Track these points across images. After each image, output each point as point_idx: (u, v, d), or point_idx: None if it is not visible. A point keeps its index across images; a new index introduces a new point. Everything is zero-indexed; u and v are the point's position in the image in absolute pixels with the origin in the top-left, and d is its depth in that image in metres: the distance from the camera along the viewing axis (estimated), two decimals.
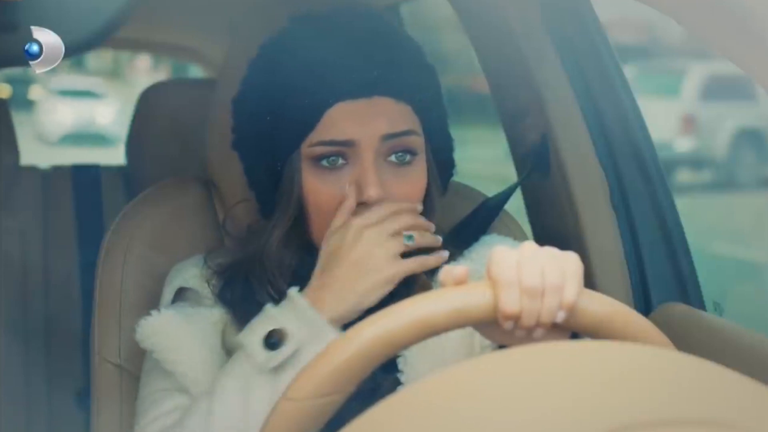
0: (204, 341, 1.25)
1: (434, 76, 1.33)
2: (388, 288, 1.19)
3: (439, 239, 1.24)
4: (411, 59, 1.29)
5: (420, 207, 1.26)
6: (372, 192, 1.21)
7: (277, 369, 1.16)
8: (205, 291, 1.31)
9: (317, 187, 1.24)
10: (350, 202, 1.22)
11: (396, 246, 1.20)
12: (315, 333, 1.16)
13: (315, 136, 1.23)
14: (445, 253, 1.23)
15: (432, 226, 1.25)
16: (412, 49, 1.31)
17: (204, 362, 1.24)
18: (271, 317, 1.18)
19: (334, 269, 1.20)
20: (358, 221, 1.20)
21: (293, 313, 1.18)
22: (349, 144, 1.22)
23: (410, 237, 1.21)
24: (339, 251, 1.20)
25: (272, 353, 1.15)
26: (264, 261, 1.28)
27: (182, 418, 1.18)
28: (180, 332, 1.25)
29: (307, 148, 1.24)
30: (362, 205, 1.22)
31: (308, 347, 1.15)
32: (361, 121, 1.22)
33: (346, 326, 1.18)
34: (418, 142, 1.26)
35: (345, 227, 1.21)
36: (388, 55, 1.26)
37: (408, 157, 1.25)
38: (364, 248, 1.19)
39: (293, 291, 1.19)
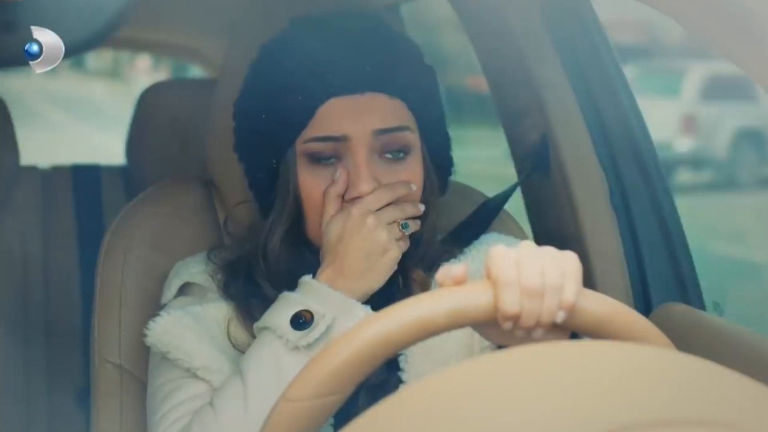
0: (213, 339, 1.26)
1: (431, 75, 1.34)
2: (394, 267, 1.23)
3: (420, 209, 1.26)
4: (407, 58, 1.30)
5: (422, 208, 1.26)
6: (364, 187, 1.22)
7: (307, 348, 1.17)
8: (211, 286, 1.32)
9: (312, 183, 1.25)
10: (338, 188, 1.23)
11: (395, 230, 1.23)
12: (344, 309, 1.19)
13: (309, 132, 1.25)
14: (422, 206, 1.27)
15: (419, 209, 1.26)
16: (409, 48, 1.32)
17: (216, 358, 1.24)
18: (293, 300, 1.20)
19: (342, 256, 1.21)
20: (358, 209, 1.22)
21: (315, 295, 1.20)
22: (342, 139, 1.23)
23: (406, 225, 1.25)
24: (343, 239, 1.22)
25: (304, 332, 1.17)
26: (266, 259, 1.29)
27: (214, 401, 1.18)
28: (190, 331, 1.25)
29: (301, 145, 1.25)
30: (357, 200, 1.23)
31: (339, 323, 1.18)
32: (354, 116, 1.23)
33: None
34: (412, 138, 1.27)
35: (344, 217, 1.22)
36: (383, 52, 1.27)
37: (402, 154, 1.26)
38: (369, 234, 1.21)
39: (307, 277, 1.22)
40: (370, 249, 1.21)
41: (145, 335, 1.27)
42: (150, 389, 1.28)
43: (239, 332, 1.28)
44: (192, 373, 1.24)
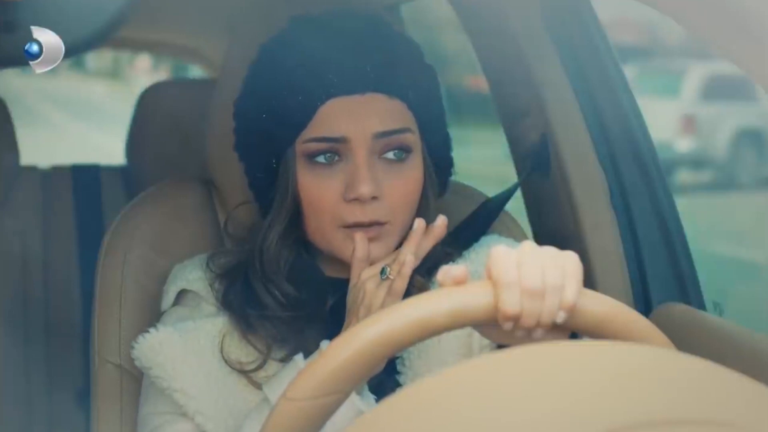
0: (203, 359, 1.25)
1: (432, 75, 1.33)
2: None
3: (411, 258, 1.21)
4: (407, 58, 1.30)
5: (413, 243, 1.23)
6: (364, 189, 1.21)
7: None
8: (208, 295, 1.31)
9: (311, 183, 1.25)
10: (360, 252, 1.22)
11: (381, 293, 1.19)
12: None
13: (308, 132, 1.24)
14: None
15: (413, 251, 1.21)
16: (409, 48, 1.32)
17: (200, 380, 1.24)
18: (298, 370, 1.18)
19: (352, 326, 1.20)
20: (362, 276, 1.21)
21: None
22: (341, 141, 1.23)
23: (383, 271, 1.21)
24: (353, 308, 1.21)
25: None
26: (262, 259, 1.28)
27: None
28: (177, 351, 1.25)
29: (301, 145, 1.25)
30: (356, 201, 1.23)
31: None
32: (354, 118, 1.23)
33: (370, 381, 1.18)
34: (412, 139, 1.26)
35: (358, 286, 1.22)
36: (383, 52, 1.26)
37: (402, 155, 1.25)
38: (364, 303, 1.20)
39: (325, 344, 1.19)
40: (368, 313, 1.19)
41: (132, 347, 1.27)
42: (140, 412, 1.29)
43: (233, 348, 1.27)
44: (174, 404, 1.23)
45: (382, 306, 1.18)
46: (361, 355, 0.89)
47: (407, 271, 1.19)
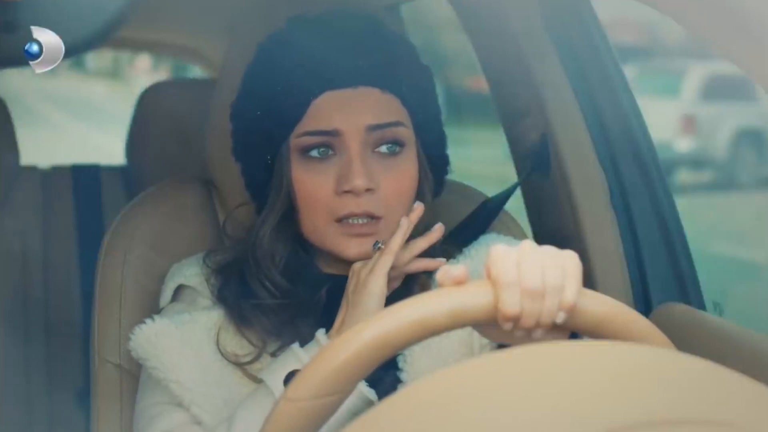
0: (198, 350, 1.26)
1: (427, 75, 1.34)
2: (380, 296, 1.22)
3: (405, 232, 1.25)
4: (402, 55, 1.31)
5: (406, 219, 1.26)
6: (358, 182, 1.22)
7: None
8: (204, 290, 1.32)
9: (305, 177, 1.25)
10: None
11: (376, 279, 1.21)
12: None
13: (302, 126, 1.25)
14: (441, 260, 1.28)
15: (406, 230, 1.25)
16: (405, 48, 1.33)
17: (196, 371, 1.24)
18: (294, 357, 1.19)
19: (345, 311, 1.22)
20: (357, 265, 1.23)
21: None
22: (334, 134, 1.24)
23: (375, 244, 1.24)
24: (347, 295, 1.23)
25: None
26: (256, 255, 1.29)
27: None
28: (173, 342, 1.25)
29: (295, 139, 1.26)
30: (349, 193, 1.23)
31: None
32: (347, 111, 1.24)
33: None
34: (405, 133, 1.27)
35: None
36: (378, 48, 1.28)
37: (396, 149, 1.26)
38: (359, 289, 1.21)
39: (320, 333, 1.21)
40: (359, 305, 1.20)
41: (129, 338, 1.27)
42: (137, 406, 1.29)
43: (228, 341, 1.27)
44: (170, 394, 1.23)
45: (372, 268, 1.21)
46: (361, 356, 0.89)
47: (402, 232, 1.23)
